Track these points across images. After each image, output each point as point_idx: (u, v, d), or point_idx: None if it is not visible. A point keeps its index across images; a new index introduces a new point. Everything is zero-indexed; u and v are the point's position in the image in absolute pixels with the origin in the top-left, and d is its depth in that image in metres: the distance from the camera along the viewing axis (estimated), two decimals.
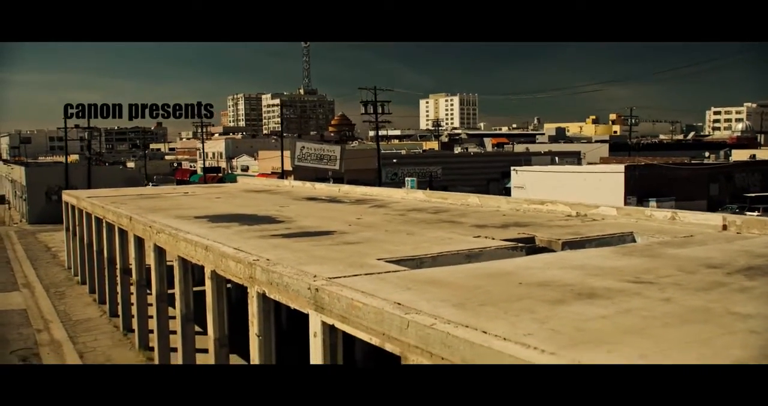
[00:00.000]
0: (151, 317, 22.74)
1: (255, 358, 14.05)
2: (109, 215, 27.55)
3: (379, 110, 64.84)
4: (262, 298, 13.71)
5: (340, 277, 11.85)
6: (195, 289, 18.98)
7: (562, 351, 7.45)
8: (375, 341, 9.91)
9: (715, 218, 17.33)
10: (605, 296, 10.08)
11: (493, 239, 16.14)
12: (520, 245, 15.39)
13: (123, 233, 25.73)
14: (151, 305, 22.91)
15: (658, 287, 10.61)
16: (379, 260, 13.62)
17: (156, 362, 21.68)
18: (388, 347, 9.58)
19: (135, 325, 24.66)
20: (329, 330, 11.34)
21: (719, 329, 8.34)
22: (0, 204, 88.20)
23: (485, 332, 8.24)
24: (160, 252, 21.20)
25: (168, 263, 20.75)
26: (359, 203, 27.24)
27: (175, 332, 19.80)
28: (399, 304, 9.77)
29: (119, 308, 27.30)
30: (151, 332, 23.03)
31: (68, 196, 39.23)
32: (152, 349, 22.64)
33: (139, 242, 23.51)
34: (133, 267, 24.49)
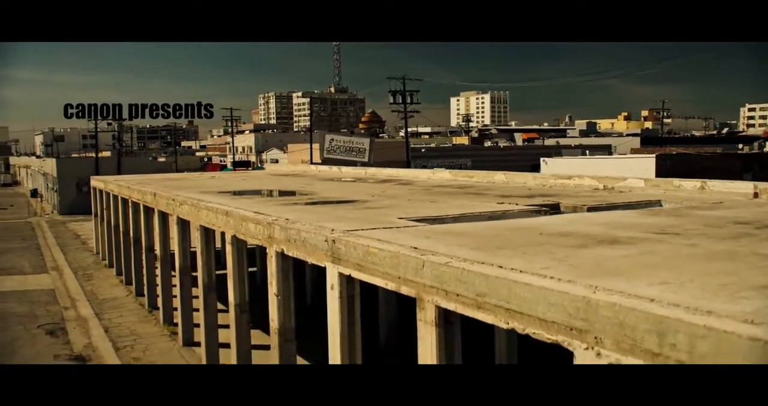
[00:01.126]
0: (176, 296, 22.77)
1: (274, 318, 13.98)
2: (135, 194, 27.71)
3: (408, 100, 64.66)
4: (281, 257, 13.62)
5: (357, 230, 11.70)
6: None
7: (580, 279, 7.23)
8: (390, 285, 9.75)
9: (746, 186, 16.93)
10: (628, 243, 9.84)
11: (517, 204, 15.91)
12: (544, 208, 15.15)
13: (148, 211, 25.84)
14: (175, 285, 22.94)
15: (683, 237, 10.34)
16: (399, 219, 13.46)
17: (179, 334, 21.73)
18: (404, 290, 9.42)
19: (160, 303, 24.74)
20: (346, 281, 11.21)
21: (743, 265, 8.07)
22: (33, 197, 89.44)
23: (501, 267, 8.05)
24: (183, 226, 21.26)
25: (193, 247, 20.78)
26: (384, 182, 27.10)
27: (197, 310, 19.79)
28: (415, 248, 9.59)
29: (145, 287, 27.42)
30: (175, 309, 23.08)
31: (96, 181, 39.58)
32: (176, 324, 22.70)
33: (163, 218, 23.62)
34: (157, 244, 24.57)
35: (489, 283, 7.80)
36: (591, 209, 15.51)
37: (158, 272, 24.67)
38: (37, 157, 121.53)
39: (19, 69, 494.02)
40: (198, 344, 20.35)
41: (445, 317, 8.87)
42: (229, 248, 16.43)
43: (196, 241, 19.23)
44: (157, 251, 24.48)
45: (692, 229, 11.14)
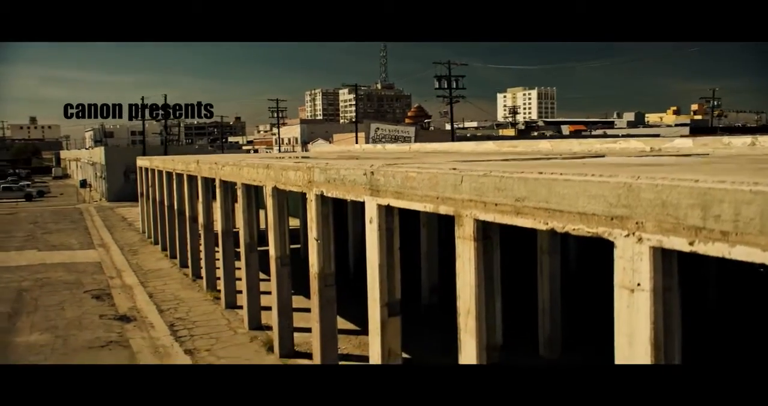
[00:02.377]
0: (219, 268, 22.94)
1: (314, 262, 13.98)
2: (179, 165, 28.04)
3: (454, 85, 64.36)
4: (321, 200, 13.62)
5: (396, 164, 11.64)
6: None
7: (614, 178, 7.06)
8: (428, 207, 9.67)
9: None
10: (672, 164, 9.63)
11: (562, 156, 15.71)
12: (588, 157, 14.93)
13: (192, 181, 26.10)
14: (218, 252, 23.09)
15: (724, 164, 10.07)
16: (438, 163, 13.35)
17: (222, 297, 21.90)
18: (442, 209, 9.33)
19: (203, 273, 24.95)
20: (384, 212, 11.16)
21: None
22: (82, 187, 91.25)
23: (540, 172, 7.91)
24: (225, 189, 21.42)
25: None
26: (428, 154, 26.97)
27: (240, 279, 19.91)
28: (454, 169, 9.50)
29: (189, 259, 27.69)
30: (219, 278, 23.25)
31: (142, 161, 40.16)
32: (219, 291, 22.87)
33: (206, 184, 23.84)
34: (200, 213, 24.81)
35: (528, 186, 7.69)
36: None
37: (201, 240, 24.91)
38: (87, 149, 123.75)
39: (65, 69, 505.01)
40: (240, 307, 20.48)
41: (484, 232, 8.76)
42: (269, 201, 16.49)
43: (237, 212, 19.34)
44: (201, 219, 24.71)
45: (734, 163, 10.86)
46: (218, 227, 21.90)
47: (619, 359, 6.67)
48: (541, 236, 16.13)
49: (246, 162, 18.42)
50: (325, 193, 13.24)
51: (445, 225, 21.23)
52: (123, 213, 54.70)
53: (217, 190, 21.76)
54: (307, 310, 17.63)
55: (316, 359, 14.18)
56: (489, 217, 8.36)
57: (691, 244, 5.84)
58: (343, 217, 25.80)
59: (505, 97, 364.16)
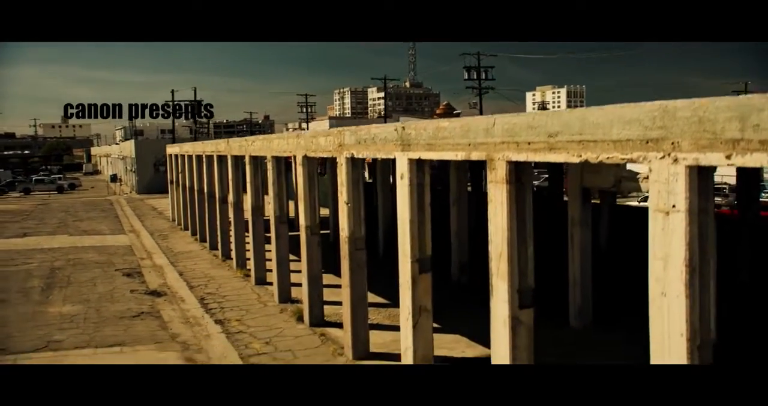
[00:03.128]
0: (249, 249, 23.13)
1: (344, 226, 14.06)
2: (209, 147, 28.30)
3: (483, 76, 64.21)
4: (351, 163, 13.69)
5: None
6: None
7: (648, 103, 7.05)
8: (460, 155, 9.70)
9: None
10: None
11: None
12: None
13: (221, 161, 26.31)
14: (247, 232, 23.24)
15: None
16: None
17: (252, 273, 22.07)
18: (474, 155, 9.35)
19: (233, 254, 25.13)
20: (415, 167, 11.20)
21: None
22: (112, 182, 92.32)
23: (572, 109, 7.91)
24: (255, 165, 21.60)
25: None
26: None
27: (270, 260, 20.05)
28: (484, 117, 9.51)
29: (219, 241, 27.89)
30: (249, 259, 23.42)
31: (172, 148, 40.56)
32: (248, 269, 23.04)
33: (236, 163, 24.05)
34: (230, 192, 25.01)
35: (562, 120, 7.70)
36: None
37: (231, 220, 25.12)
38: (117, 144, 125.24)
39: (94, 70, 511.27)
40: (270, 284, 20.63)
41: (516, 174, 8.77)
42: (299, 170, 16.61)
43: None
44: (230, 198, 24.90)
45: None
46: (248, 203, 22.06)
47: (653, 284, 6.65)
48: (572, 208, 16.07)
49: (275, 137, 18.56)
50: (355, 155, 13.31)
51: (475, 203, 21.25)
52: (153, 203, 55.28)
53: (247, 167, 21.95)
54: (336, 286, 17.77)
55: (346, 325, 14.24)
56: (522, 157, 8.38)
57: (728, 157, 5.81)
58: (372, 200, 25.90)
59: (534, 95, 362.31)
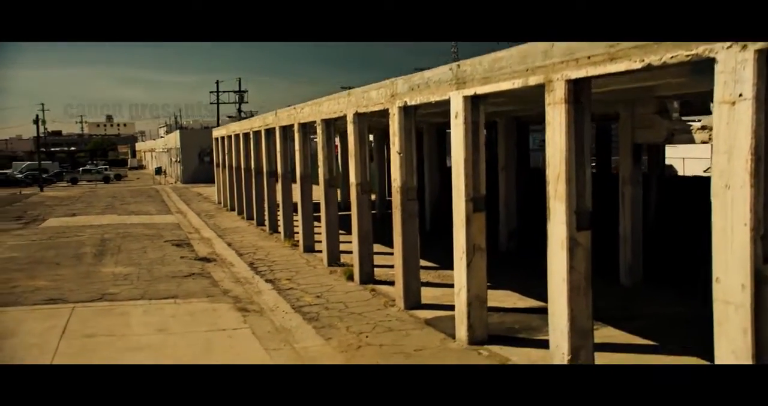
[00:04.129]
0: (296, 222, 23.47)
1: (396, 177, 14.22)
2: (256, 122, 28.72)
3: None
4: (404, 112, 13.84)
5: None
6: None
7: None
8: (517, 83, 9.80)
9: None
10: None
11: None
12: None
13: (269, 135, 26.65)
14: (296, 203, 23.55)
15: None
16: None
17: (300, 241, 22.34)
18: (532, 80, 9.45)
19: (281, 227, 25.45)
20: (470, 105, 11.32)
21: None
22: (157, 175, 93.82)
23: None
24: (303, 132, 21.88)
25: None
26: None
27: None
28: None
29: (266, 218, 28.25)
30: (297, 232, 23.70)
31: (218, 131, 41.18)
32: (297, 240, 23.30)
33: (284, 133, 24.37)
34: (278, 162, 25.31)
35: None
36: None
37: (279, 192, 25.45)
38: (164, 130, 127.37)
39: (140, 70, 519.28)
40: (319, 251, 20.89)
41: (575, 94, 8.83)
42: (350, 128, 16.82)
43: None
44: (279, 170, 25.22)
45: None
46: (297, 172, 22.34)
47: (716, 179, 6.68)
48: (623, 166, 16.03)
49: (324, 99, 18.80)
50: (408, 103, 13.46)
51: (522, 171, 21.23)
52: (198, 191, 56.10)
53: (296, 135, 22.24)
54: (382, 253, 17.96)
55: (398, 275, 14.40)
56: (581, 73, 8.44)
57: None
58: (421, 178, 25.96)
59: None
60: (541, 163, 15.20)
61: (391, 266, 15.63)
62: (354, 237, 16.91)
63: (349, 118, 16.77)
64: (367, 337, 12.25)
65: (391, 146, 14.39)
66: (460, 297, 11.78)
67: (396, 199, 14.29)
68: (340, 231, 19.84)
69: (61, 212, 39.04)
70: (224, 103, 77.25)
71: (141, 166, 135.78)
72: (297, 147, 22.07)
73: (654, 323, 12.50)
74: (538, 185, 21.84)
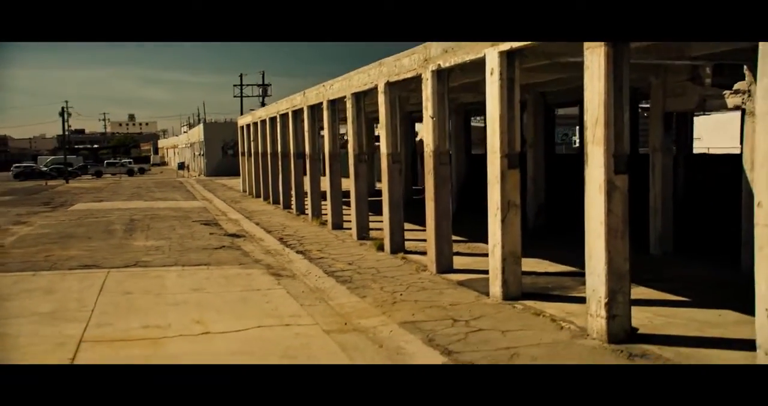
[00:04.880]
0: (324, 203, 23.70)
1: (429, 141, 14.37)
2: (283, 104, 28.97)
3: None
4: (437, 76, 13.99)
5: None
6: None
7: None
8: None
9: None
10: None
11: None
12: None
13: (296, 116, 26.89)
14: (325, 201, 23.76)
15: None
16: None
17: (329, 218, 22.54)
18: None
19: (308, 209, 25.69)
20: (506, 60, 11.44)
21: None
22: (180, 169, 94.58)
23: None
24: (332, 110, 22.08)
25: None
26: None
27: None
28: None
29: (293, 201, 28.51)
30: (325, 213, 23.93)
31: (243, 119, 41.51)
32: (325, 219, 23.52)
33: (312, 112, 24.58)
34: (306, 143, 25.53)
35: None
36: None
37: (307, 173, 25.68)
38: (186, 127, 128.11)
39: (166, 71, 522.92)
40: (347, 229, 21.10)
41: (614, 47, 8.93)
42: (381, 98, 16.99)
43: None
44: (307, 150, 25.45)
45: None
46: (326, 149, 22.55)
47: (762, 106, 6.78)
48: (653, 135, 16.09)
49: (354, 73, 18.98)
50: (442, 65, 13.60)
51: (550, 146, 21.24)
52: (223, 182, 56.56)
53: (324, 113, 22.44)
54: (411, 230, 18.09)
55: (430, 240, 14.55)
56: None
57: None
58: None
59: None
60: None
61: (421, 240, 15.83)
62: (385, 206, 17.08)
63: (380, 89, 16.94)
64: (401, 295, 12.41)
65: (424, 112, 14.53)
66: (494, 254, 11.91)
67: (428, 163, 14.44)
68: (369, 214, 20.01)
69: (88, 199, 39.61)
70: (248, 96, 77.77)
71: (163, 163, 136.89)
72: (326, 125, 22.27)
73: (685, 284, 12.56)
74: (563, 169, 22.01)
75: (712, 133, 54.82)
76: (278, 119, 30.22)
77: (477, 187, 29.62)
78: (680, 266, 14.50)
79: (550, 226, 20.67)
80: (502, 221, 11.70)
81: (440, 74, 13.98)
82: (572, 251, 14.55)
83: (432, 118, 14.21)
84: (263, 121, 34.34)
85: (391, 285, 13.27)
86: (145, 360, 8.79)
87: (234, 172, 60.79)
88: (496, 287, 11.85)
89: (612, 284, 9.12)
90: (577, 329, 9.74)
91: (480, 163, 29.43)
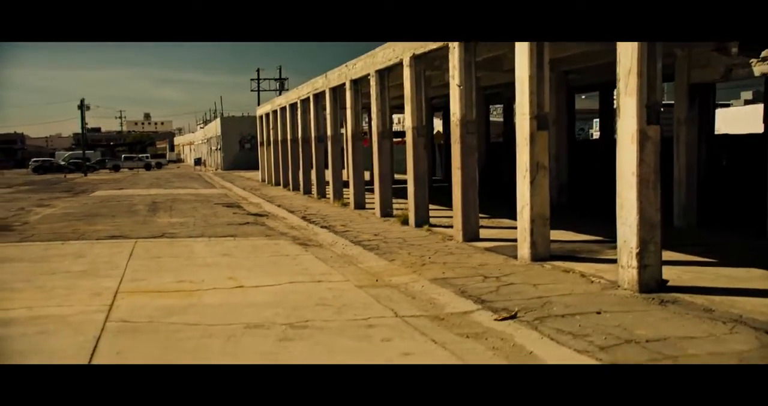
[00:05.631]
0: (347, 186, 23.85)
1: (455, 110, 14.51)
2: (304, 90, 29.16)
3: None
4: (464, 46, 14.11)
5: None
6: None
7: None
8: None
9: None
10: None
11: None
12: None
13: (318, 99, 27.08)
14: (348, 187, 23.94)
15: None
16: None
17: (351, 198, 22.70)
18: None
19: (330, 190, 25.87)
20: None
21: None
22: (196, 165, 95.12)
23: None
24: (355, 90, 22.24)
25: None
26: None
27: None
28: None
29: (313, 185, 28.74)
30: (347, 197, 24.11)
31: (262, 108, 41.73)
32: (347, 200, 23.69)
33: (334, 94, 24.76)
34: (328, 126, 25.71)
35: None
36: None
37: (329, 155, 25.88)
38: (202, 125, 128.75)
39: (181, 71, 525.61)
40: (370, 209, 21.28)
41: None
42: (407, 72, 17.12)
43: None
44: (329, 132, 25.63)
45: None
46: (348, 130, 22.71)
47: None
48: (678, 107, 16.15)
49: (380, 47, 19.14)
50: None
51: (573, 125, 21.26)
52: (240, 174, 56.87)
53: (347, 93, 22.59)
54: (434, 209, 18.20)
55: (456, 208, 14.68)
56: None
57: None
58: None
59: None
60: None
61: (445, 217, 16.00)
62: (409, 180, 17.23)
63: (406, 62, 17.08)
64: (429, 258, 12.55)
65: (450, 80, 14.66)
66: (522, 215, 12.02)
67: (455, 133, 14.57)
68: (393, 199, 20.16)
69: (108, 188, 40.05)
70: (265, 90, 78.06)
71: (179, 160, 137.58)
72: (348, 105, 22.42)
73: (711, 249, 12.59)
74: (583, 154, 22.07)
75: (731, 124, 54.68)
76: (299, 105, 30.42)
77: (496, 174, 29.88)
78: (705, 235, 14.56)
79: (572, 205, 20.77)
80: (531, 182, 11.80)
81: (467, 44, 14.09)
82: (596, 225, 14.74)
83: (459, 86, 14.34)
84: (283, 109, 34.57)
85: (419, 251, 13.41)
86: (181, 310, 8.95)
87: (251, 165, 61.15)
88: (524, 249, 11.96)
89: (644, 233, 9.23)
90: (607, 282, 9.86)
91: (497, 152, 29.64)
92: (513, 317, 8.21)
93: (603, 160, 23.40)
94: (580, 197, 21.88)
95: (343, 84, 23.00)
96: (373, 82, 19.79)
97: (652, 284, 9.25)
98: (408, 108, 17.26)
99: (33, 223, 19.88)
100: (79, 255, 13.60)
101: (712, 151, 19.57)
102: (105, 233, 17.10)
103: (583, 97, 60.13)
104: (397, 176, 24.73)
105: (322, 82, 25.87)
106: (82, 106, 68.54)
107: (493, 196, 21.31)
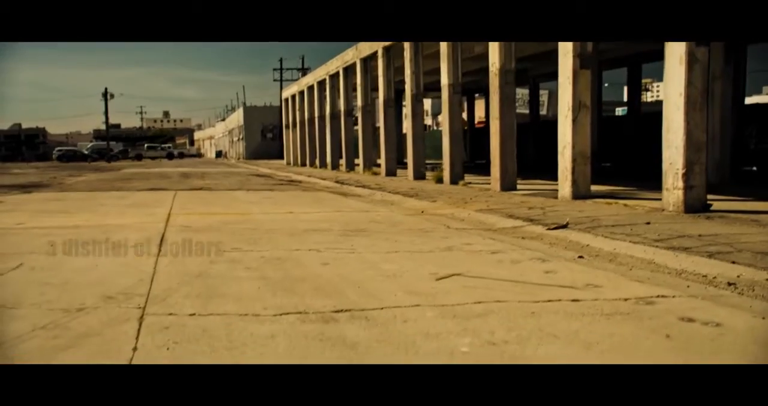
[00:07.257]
0: (377, 165, 24.08)
1: (495, 61, 14.73)
2: (333, 65, 29.47)
3: None
4: None
5: None
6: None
7: None
8: None
9: None
10: None
11: None
12: None
13: (347, 73, 27.39)
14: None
15: None
16: None
17: (382, 166, 22.97)
18: None
19: (360, 160, 26.16)
20: None
21: None
22: (217, 158, 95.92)
23: None
24: (387, 57, 22.52)
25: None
26: None
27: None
28: None
29: (342, 161, 29.05)
30: (377, 170, 24.41)
31: (288, 90, 42.11)
32: (377, 170, 23.98)
33: (365, 65, 25.05)
34: (359, 97, 26.00)
35: None
36: None
37: (359, 127, 26.17)
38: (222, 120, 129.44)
39: (197, 71, 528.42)
40: (402, 176, 21.56)
41: None
42: None
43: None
44: (359, 103, 25.92)
45: None
46: (381, 96, 23.00)
47: None
48: (712, 63, 16.29)
49: None
50: None
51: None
52: (264, 162, 57.28)
53: (380, 61, 22.88)
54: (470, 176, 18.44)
55: (494, 158, 14.91)
56: None
57: None
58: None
59: None
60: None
61: (478, 183, 16.21)
62: (445, 137, 17.50)
63: None
64: (471, 199, 12.81)
65: None
66: (564, 155, 12.24)
67: (494, 83, 14.81)
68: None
69: (136, 168, 40.52)
70: (287, 80, 78.28)
71: (200, 155, 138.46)
72: (381, 72, 22.72)
73: (746, 194, 12.80)
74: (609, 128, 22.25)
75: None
76: (327, 81, 30.73)
77: (521, 155, 30.01)
78: (739, 187, 14.74)
79: (601, 171, 20.94)
80: (573, 121, 12.03)
81: None
82: (626, 182, 14.94)
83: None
84: (310, 87, 34.90)
85: (459, 196, 13.68)
86: (237, 222, 9.26)
87: (273, 155, 61.59)
88: (565, 189, 12.19)
89: (690, 154, 9.44)
90: (651, 208, 10.08)
91: (522, 134, 29.86)
92: (564, 226, 8.46)
93: (627, 135, 23.68)
94: (608, 165, 22.10)
95: (375, 53, 23.28)
96: (407, 45, 20.05)
97: (697, 205, 9.46)
98: (444, 67, 17.52)
99: (70, 184, 20.33)
100: (123, 197, 14.00)
101: (745, 114, 19.73)
102: (143, 186, 17.51)
103: (606, 85, 59.74)
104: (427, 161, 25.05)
105: (353, 54, 26.17)
106: (106, 95, 69.32)
107: (521, 171, 21.51)
